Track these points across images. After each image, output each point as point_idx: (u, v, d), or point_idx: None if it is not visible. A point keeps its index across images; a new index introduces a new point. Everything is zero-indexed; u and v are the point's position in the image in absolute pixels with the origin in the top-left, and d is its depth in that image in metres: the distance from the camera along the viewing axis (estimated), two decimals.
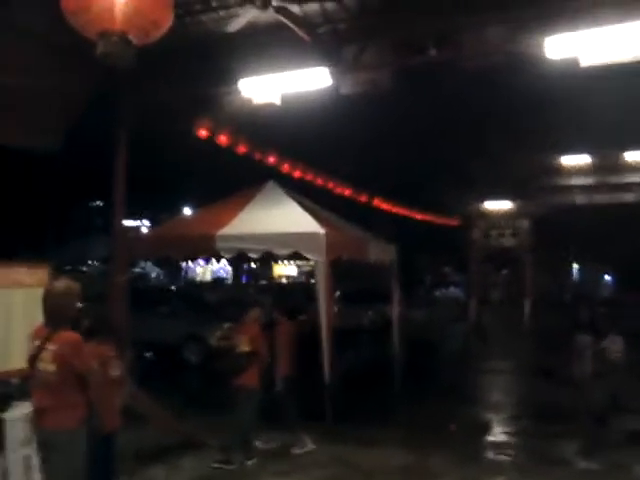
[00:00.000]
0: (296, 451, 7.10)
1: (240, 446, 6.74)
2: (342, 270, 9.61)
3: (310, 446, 7.21)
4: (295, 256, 9.35)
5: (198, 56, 8.24)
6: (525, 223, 25.87)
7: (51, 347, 4.07)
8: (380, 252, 9.97)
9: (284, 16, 6.96)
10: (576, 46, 7.23)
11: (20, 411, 5.04)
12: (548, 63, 7.79)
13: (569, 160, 24.48)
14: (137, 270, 26.63)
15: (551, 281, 32.15)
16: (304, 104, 9.09)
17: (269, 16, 6.98)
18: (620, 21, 6.92)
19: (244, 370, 6.64)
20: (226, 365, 6.90)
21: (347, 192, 16.03)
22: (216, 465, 6.56)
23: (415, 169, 19.53)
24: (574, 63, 7.56)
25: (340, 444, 7.22)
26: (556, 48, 7.34)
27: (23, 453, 5.01)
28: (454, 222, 26.59)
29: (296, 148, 13.25)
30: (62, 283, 4.36)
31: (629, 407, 9.92)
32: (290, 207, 9.06)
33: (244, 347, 6.70)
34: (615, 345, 9.09)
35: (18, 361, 5.16)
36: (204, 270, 39.67)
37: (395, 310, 10.84)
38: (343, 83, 8.39)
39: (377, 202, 18.81)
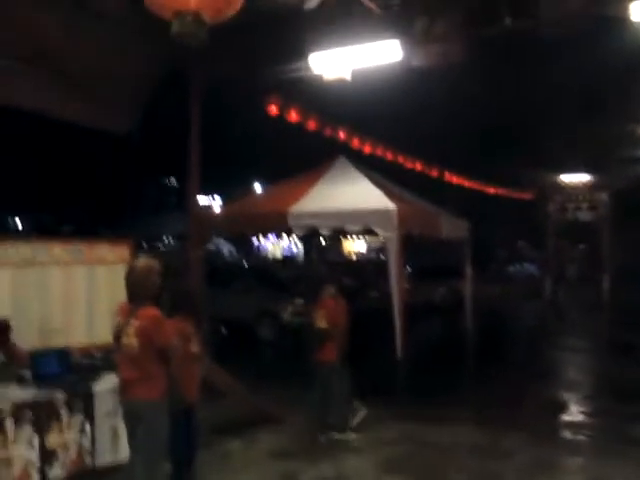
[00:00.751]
0: (354, 422, 7.05)
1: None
2: (413, 246, 9.54)
3: (362, 413, 7.16)
4: (365, 232, 9.33)
5: (268, 32, 8.24)
6: (603, 196, 24.90)
7: (134, 322, 4.23)
8: (452, 227, 9.82)
9: None
10: None
11: (107, 383, 5.27)
12: (633, 27, 7.40)
13: None
14: (211, 247, 27.27)
15: (631, 256, 30.88)
16: (375, 78, 8.97)
17: None
18: None
19: (322, 346, 6.68)
20: (304, 341, 6.98)
21: (418, 167, 15.77)
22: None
23: (488, 142, 19.03)
24: None
25: (411, 421, 7.20)
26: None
27: (110, 423, 5.25)
28: (529, 196, 25.88)
29: (366, 123, 13.14)
30: (144, 261, 4.50)
31: None
32: (361, 183, 9.02)
33: (321, 323, 6.74)
34: None
35: (101, 335, 5.41)
36: (275, 247, 40.17)
37: (467, 287, 10.70)
38: (414, 56, 8.20)
39: (448, 176, 18.45)
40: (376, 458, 6.08)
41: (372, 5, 7.30)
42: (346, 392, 6.87)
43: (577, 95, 18.39)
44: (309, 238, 16.52)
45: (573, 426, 7.80)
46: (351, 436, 6.77)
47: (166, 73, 8.26)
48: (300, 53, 8.17)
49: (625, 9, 6.92)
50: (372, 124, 13.56)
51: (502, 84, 15.09)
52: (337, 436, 6.72)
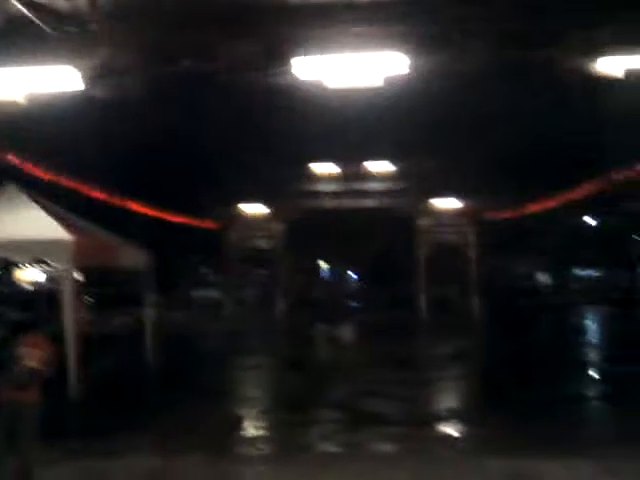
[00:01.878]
0: None
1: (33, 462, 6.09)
2: (95, 275, 9.32)
3: None
4: (39, 262, 8.84)
5: None
6: (279, 226, 27.29)
7: None
8: (132, 257, 9.85)
9: (29, 8, 6.61)
10: (321, 69, 7.96)
11: None
12: (297, 82, 8.43)
13: (319, 168, 26.49)
14: None
15: (302, 280, 34.18)
16: (54, 104, 8.68)
17: (13, 6, 6.60)
18: (359, 50, 7.76)
19: (29, 386, 6.00)
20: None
21: (100, 195, 15.42)
22: None
23: (172, 173, 19.47)
24: (321, 85, 8.30)
25: (87, 458, 6.89)
26: (303, 69, 7.99)
27: None
28: (211, 224, 26.99)
29: (46, 150, 12.49)
30: None
31: (361, 389, 11.16)
32: (33, 211, 8.53)
33: (32, 362, 6.03)
34: (347, 333, 10.92)
35: None
36: None
37: (148, 314, 10.78)
38: (95, 85, 8.17)
39: (132, 205, 18.36)
40: None
41: (49, 29, 7.09)
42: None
43: (255, 136, 19.97)
44: None
45: (247, 440, 8.38)
46: None
47: None
48: None
49: (290, 66, 7.88)
50: (53, 151, 12.94)
51: (186, 121, 15.67)
52: None
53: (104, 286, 18.29)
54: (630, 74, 8.83)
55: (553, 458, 6.60)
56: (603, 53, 8.57)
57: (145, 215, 20.83)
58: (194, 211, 25.56)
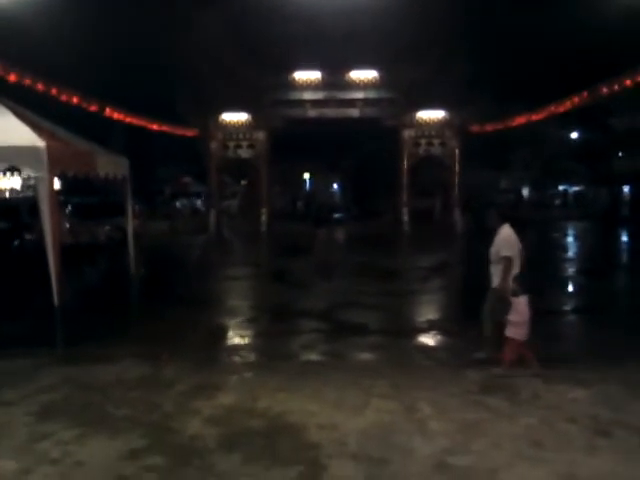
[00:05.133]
0: None
1: None
2: (75, 183, 9.03)
3: None
4: (13, 169, 8.50)
5: None
6: (261, 135, 26.76)
7: None
8: (111, 165, 9.54)
9: None
10: None
11: None
12: None
13: (301, 75, 25.73)
14: None
15: (286, 190, 34.01)
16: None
17: None
18: None
19: None
20: None
21: (75, 100, 14.82)
22: None
23: (151, 80, 18.79)
24: None
25: (73, 365, 6.96)
26: None
27: None
28: (192, 133, 26.42)
29: (11, 50, 11.84)
30: None
31: (343, 299, 11.29)
32: (4, 117, 8.13)
33: None
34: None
35: None
36: None
37: (130, 224, 10.63)
38: None
39: (109, 112, 17.74)
40: (30, 408, 5.75)
41: None
42: None
43: (235, 41, 19.20)
44: None
45: (232, 349, 8.49)
46: None
47: None
48: None
49: None
50: (21, 51, 12.29)
51: (169, 24, 14.94)
52: None
53: (85, 195, 18.03)
54: None
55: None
56: None
57: (123, 122, 20.22)
58: (175, 119, 24.92)
